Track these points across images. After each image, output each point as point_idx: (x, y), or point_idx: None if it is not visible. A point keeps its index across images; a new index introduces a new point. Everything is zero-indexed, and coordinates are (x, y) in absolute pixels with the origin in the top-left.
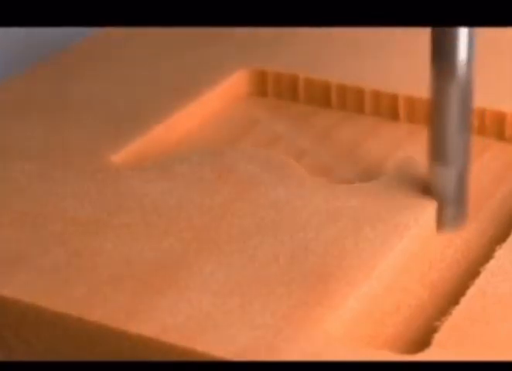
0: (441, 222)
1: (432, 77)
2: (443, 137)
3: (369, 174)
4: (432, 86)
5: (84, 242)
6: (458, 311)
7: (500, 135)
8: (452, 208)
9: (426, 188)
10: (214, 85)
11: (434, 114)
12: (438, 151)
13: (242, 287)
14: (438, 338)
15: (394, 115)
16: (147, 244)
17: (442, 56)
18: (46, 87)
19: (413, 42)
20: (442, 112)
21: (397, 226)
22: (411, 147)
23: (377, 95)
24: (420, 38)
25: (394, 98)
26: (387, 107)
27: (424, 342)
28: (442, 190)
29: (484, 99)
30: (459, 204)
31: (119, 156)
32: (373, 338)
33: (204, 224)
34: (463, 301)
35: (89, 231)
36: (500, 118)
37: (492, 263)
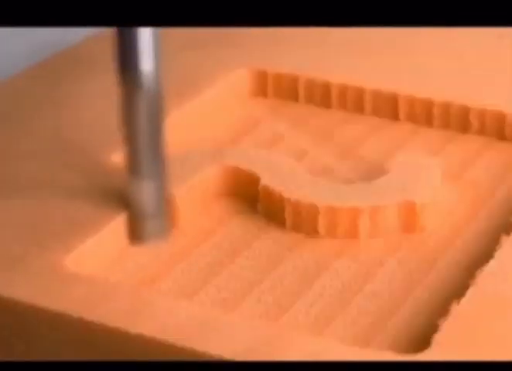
0: (139, 236)
1: (120, 90)
2: (135, 150)
3: (369, 174)
4: (120, 98)
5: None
6: (458, 311)
7: (500, 135)
8: (150, 222)
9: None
10: (215, 85)
11: (124, 128)
12: (132, 165)
13: (242, 288)
14: (438, 338)
15: (394, 115)
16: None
17: (126, 67)
18: (46, 87)
19: (413, 42)
20: (131, 125)
21: None
22: (411, 147)
23: (377, 95)
24: (420, 38)
25: (394, 98)
26: (387, 107)
27: (424, 342)
28: (138, 204)
29: (484, 99)
30: (159, 217)
31: (119, 156)
32: (373, 338)
33: (206, 225)
34: (463, 301)
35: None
36: (499, 118)
37: (492, 263)
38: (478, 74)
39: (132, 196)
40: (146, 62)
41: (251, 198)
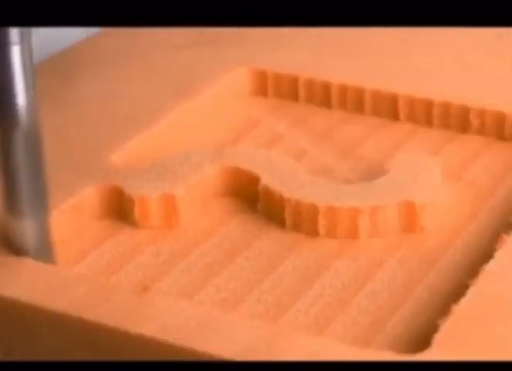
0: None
1: None
2: (13, 186)
3: (369, 174)
4: None
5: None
6: (458, 311)
7: (500, 135)
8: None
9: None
10: (214, 85)
11: (2, 164)
12: (10, 202)
13: (242, 287)
14: (438, 338)
15: (394, 115)
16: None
17: (1, 102)
18: (46, 87)
19: (413, 42)
20: (9, 161)
21: None
22: (411, 147)
23: (377, 95)
24: (420, 38)
25: (394, 98)
26: (387, 107)
27: (424, 342)
28: (20, 242)
29: (484, 99)
30: (42, 256)
31: (119, 156)
32: (373, 338)
33: (206, 225)
34: (463, 301)
35: None
36: (500, 118)
37: (492, 263)
38: (478, 74)
39: (12, 235)
40: (21, 96)
41: (251, 198)
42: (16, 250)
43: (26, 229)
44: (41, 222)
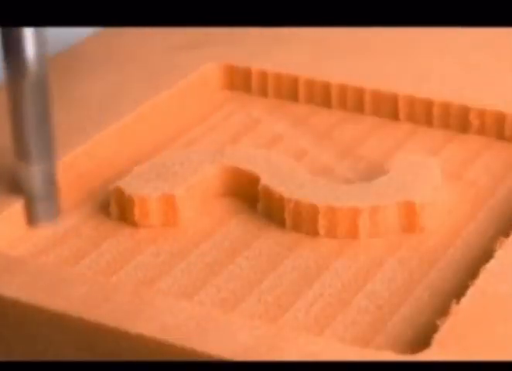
0: (32, 218)
1: (5, 75)
2: (22, 135)
3: (369, 174)
4: (6, 84)
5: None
6: (458, 311)
7: (500, 135)
8: (41, 204)
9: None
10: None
11: (11, 113)
12: (20, 150)
13: (242, 287)
14: (438, 338)
15: (394, 115)
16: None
17: (11, 53)
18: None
19: (413, 42)
20: (18, 111)
21: None
22: (411, 147)
23: (377, 95)
24: (420, 38)
25: (394, 98)
26: (387, 107)
27: (424, 342)
28: (28, 188)
29: (484, 99)
30: (49, 200)
31: (119, 156)
32: (373, 338)
33: (206, 225)
34: (463, 301)
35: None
36: (500, 118)
37: (492, 263)
38: (478, 74)
39: (22, 181)
40: (30, 49)
41: (251, 198)
42: (26, 194)
43: (34, 175)
44: (48, 169)
